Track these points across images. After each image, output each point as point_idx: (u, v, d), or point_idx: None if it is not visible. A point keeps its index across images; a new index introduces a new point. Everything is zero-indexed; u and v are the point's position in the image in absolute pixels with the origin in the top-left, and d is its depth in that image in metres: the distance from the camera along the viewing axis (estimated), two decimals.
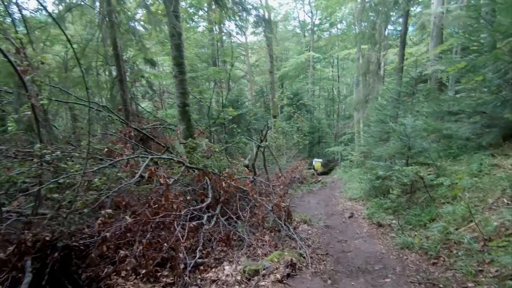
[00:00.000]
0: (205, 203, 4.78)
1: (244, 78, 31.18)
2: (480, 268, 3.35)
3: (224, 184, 5.72)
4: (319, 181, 13.20)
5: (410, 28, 22.67)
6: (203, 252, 4.13)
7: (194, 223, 4.18)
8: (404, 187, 6.31)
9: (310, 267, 3.96)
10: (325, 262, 4.34)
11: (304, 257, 4.25)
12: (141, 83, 17.75)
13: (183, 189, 5.21)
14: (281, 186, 6.33)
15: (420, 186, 6.33)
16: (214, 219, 5.27)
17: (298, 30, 31.90)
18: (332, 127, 30.02)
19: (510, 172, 5.35)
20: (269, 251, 4.38)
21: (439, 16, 14.03)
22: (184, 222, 3.86)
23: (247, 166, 10.38)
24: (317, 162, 16.47)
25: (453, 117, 8.58)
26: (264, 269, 3.51)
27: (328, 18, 29.08)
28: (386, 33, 12.28)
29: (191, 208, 4.26)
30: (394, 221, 5.92)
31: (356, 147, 16.04)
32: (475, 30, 8.43)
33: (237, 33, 29.28)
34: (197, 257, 3.61)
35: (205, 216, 4.74)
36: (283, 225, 4.96)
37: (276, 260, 3.78)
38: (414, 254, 4.41)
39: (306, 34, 31.06)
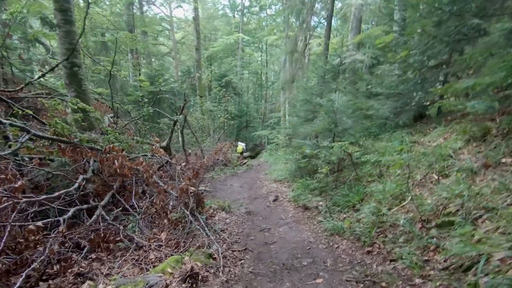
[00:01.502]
0: (60, 192, 3.14)
1: (169, 56, 28.20)
2: (426, 258, 2.68)
3: (116, 164, 4.13)
4: (245, 163, 12.31)
5: (333, 21, 23.40)
6: (58, 265, 2.60)
7: (40, 223, 2.58)
8: (331, 166, 5.69)
9: (221, 274, 2.81)
10: (242, 261, 3.26)
11: (214, 258, 3.09)
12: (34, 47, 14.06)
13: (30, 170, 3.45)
14: (194, 168, 5.04)
15: (346, 164, 5.80)
16: (98, 212, 3.71)
17: (228, 10, 30.16)
18: (260, 112, 29.71)
19: (431, 148, 5.11)
20: (168, 254, 3.08)
21: (358, 8, 14.31)
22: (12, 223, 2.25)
23: (165, 148, 8.74)
24: (239, 145, 15.63)
25: (373, 99, 8.50)
26: None
27: (258, 1, 28.14)
28: (312, 16, 11.79)
29: (24, 200, 2.59)
30: (321, 203, 5.24)
31: (282, 130, 15.69)
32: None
33: (161, 4, 25.89)
34: (18, 284, 2.07)
35: (71, 210, 3.14)
36: (189, 216, 3.69)
37: (170, 270, 2.51)
38: (345, 241, 3.67)
39: (236, 15, 29.60)
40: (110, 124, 7.90)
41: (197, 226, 3.65)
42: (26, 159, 3.84)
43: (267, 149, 19.55)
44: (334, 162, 5.54)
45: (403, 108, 7.07)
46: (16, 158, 3.75)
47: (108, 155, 4.08)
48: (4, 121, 3.01)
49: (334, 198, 4.92)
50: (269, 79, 33.23)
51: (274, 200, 6.14)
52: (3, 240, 2.12)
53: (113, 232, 3.48)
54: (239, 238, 3.94)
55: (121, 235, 3.39)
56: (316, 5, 15.77)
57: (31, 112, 4.61)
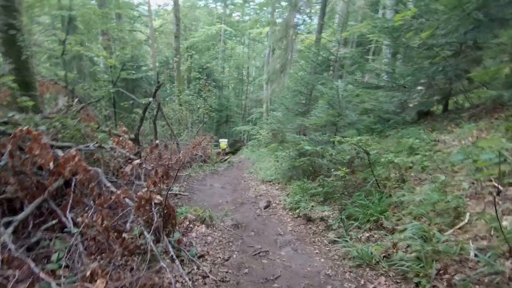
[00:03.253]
0: None
1: (146, 44, 25.93)
2: None
3: (45, 157, 2.65)
4: (226, 160, 10.95)
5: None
6: None
7: None
8: (338, 166, 4.50)
9: None
10: None
11: None
12: None
13: None
14: (163, 166, 3.64)
15: (357, 165, 4.65)
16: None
17: (210, 0, 28.35)
18: (241, 107, 28.36)
19: (463, 148, 4.05)
20: None
21: (346, 4, 13.61)
22: None
23: (133, 140, 7.19)
24: (222, 142, 14.34)
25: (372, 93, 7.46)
26: None
27: None
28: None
29: None
30: (327, 213, 4.05)
31: (265, 125, 14.48)
32: None
33: None
34: None
35: None
36: (150, 242, 2.31)
37: None
38: (383, 278, 2.47)
39: (219, 6, 27.93)
40: (62, 107, 6.25)
41: (162, 262, 2.25)
42: None
43: (248, 145, 18.31)
44: (343, 161, 4.35)
45: (419, 101, 6.09)
46: None
47: (28, 143, 2.59)
48: None
49: (348, 208, 3.73)
50: (251, 75, 31.94)
51: (266, 207, 4.86)
52: None
53: (23, 269, 2.05)
54: (227, 272, 2.62)
55: (36, 274, 1.96)
56: None
57: None
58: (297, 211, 4.36)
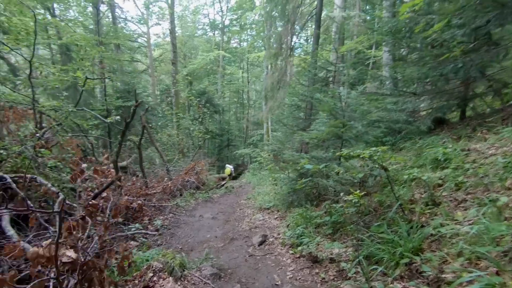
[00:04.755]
0: None
1: (146, 73, 25.98)
2: None
3: None
4: (223, 185, 9.97)
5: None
6: None
7: None
8: (349, 187, 3.52)
9: None
10: None
11: None
12: None
13: None
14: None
15: (372, 185, 3.66)
16: None
17: (207, 29, 28.81)
18: (242, 131, 27.70)
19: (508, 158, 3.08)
20: None
21: (341, 21, 13.21)
22: None
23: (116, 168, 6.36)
24: (227, 168, 13.50)
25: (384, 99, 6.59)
26: None
27: (238, 20, 26.97)
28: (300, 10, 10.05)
29: None
30: (337, 251, 3.03)
31: (265, 146, 13.63)
32: None
33: (138, 21, 24.08)
34: None
35: None
36: None
37: None
38: None
39: (217, 33, 28.25)
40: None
41: None
42: None
43: (249, 168, 17.37)
44: (354, 181, 3.39)
45: (434, 107, 5.22)
46: None
47: None
48: None
49: (366, 245, 2.72)
50: (251, 98, 31.65)
51: (261, 243, 3.85)
52: None
53: None
54: None
55: None
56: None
57: None
58: (299, 248, 3.33)
